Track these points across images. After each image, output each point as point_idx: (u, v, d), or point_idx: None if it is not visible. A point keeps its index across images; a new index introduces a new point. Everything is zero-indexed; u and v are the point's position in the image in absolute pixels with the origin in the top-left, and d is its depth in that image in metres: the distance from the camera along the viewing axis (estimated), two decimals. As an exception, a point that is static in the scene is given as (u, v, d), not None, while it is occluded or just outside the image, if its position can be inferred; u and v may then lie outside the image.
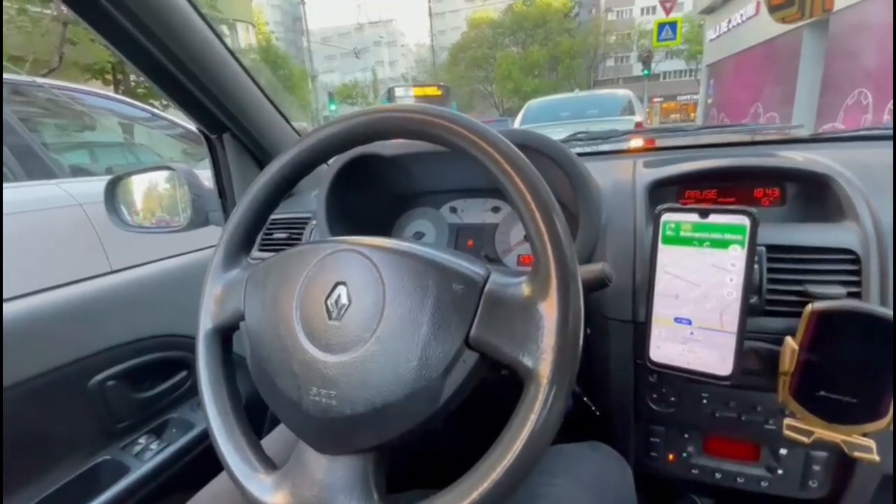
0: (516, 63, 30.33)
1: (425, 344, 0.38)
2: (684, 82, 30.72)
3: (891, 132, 0.81)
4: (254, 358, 0.47)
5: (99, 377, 0.82)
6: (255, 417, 0.48)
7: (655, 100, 27.92)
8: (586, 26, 34.00)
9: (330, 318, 0.42)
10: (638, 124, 4.87)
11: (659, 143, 1.04)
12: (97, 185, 1.01)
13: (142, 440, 0.89)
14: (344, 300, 0.42)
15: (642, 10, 34.47)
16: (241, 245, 0.53)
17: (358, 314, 0.41)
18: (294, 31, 40.18)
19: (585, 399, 0.73)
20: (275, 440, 0.68)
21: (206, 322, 0.50)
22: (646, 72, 14.89)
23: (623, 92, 5.86)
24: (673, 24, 10.65)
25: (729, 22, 10.79)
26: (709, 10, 12.14)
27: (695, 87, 23.46)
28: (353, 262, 0.43)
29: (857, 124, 6.01)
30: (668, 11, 11.18)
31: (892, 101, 5.48)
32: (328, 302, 0.42)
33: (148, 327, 0.90)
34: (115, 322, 0.86)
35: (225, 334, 0.50)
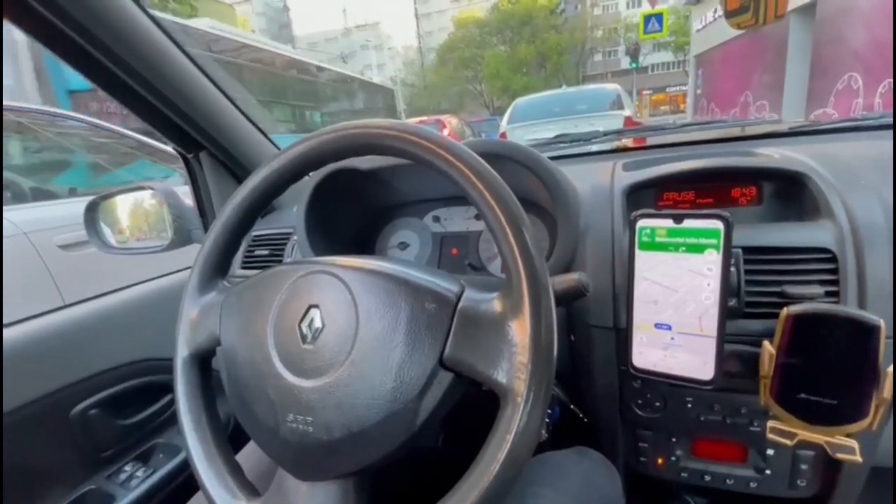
0: (504, 61, 30.38)
1: (400, 365, 0.38)
2: (672, 74, 30.87)
3: (868, 123, 0.81)
4: (230, 384, 0.46)
5: (81, 406, 0.81)
6: (240, 435, 0.48)
7: (645, 92, 28.03)
8: (573, 22, 34.11)
9: (304, 342, 0.41)
10: (627, 119, 4.86)
11: (638, 143, 1.04)
12: (53, 209, 0.99)
13: (127, 467, 0.88)
14: (318, 323, 0.41)
15: (628, 3, 34.61)
16: (217, 268, 0.52)
17: (332, 337, 0.40)
18: (281, 38, 40.09)
19: (572, 406, 0.72)
20: (257, 456, 0.67)
21: (182, 349, 0.49)
22: (633, 64, 14.95)
23: (612, 86, 5.86)
24: (659, 16, 10.69)
25: (715, 11, 10.81)
26: (695, 1, 12.18)
27: (683, 78, 23.61)
28: (326, 283, 0.43)
29: (848, 108, 6.03)
30: (653, 3, 11.22)
31: (882, 85, 5.50)
32: (302, 325, 0.42)
33: (130, 353, 0.89)
34: (96, 349, 0.85)
35: (202, 359, 0.50)
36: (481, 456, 0.35)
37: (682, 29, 20.50)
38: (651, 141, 1.00)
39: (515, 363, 0.35)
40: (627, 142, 1.07)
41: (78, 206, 1.91)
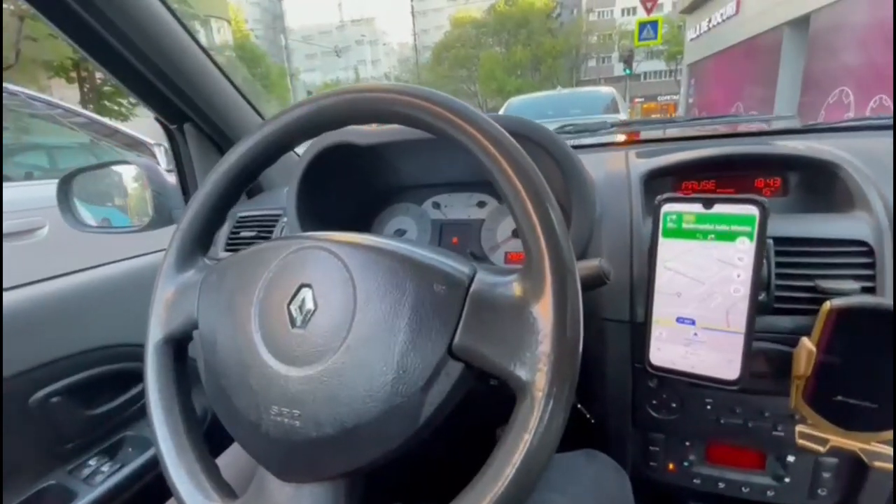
0: (499, 63, 30.65)
1: (402, 354, 0.34)
2: (664, 83, 31.33)
3: (888, 122, 0.79)
4: (208, 372, 0.42)
5: (41, 393, 0.74)
6: (219, 434, 0.43)
7: (636, 100, 28.36)
8: (568, 27, 34.55)
9: (293, 325, 0.37)
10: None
11: (649, 135, 1.01)
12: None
13: (92, 462, 0.81)
14: (309, 304, 0.37)
15: (623, 10, 35.07)
16: (197, 243, 0.47)
17: (325, 320, 0.36)
18: (274, 28, 39.78)
19: (579, 406, 0.68)
20: (236, 458, 0.62)
21: (155, 331, 0.45)
22: (627, 71, 15.13)
23: (606, 89, 5.88)
24: (654, 24, 10.80)
25: (709, 21, 10.99)
26: (689, 10, 12.35)
27: (675, 87, 23.99)
28: (320, 260, 0.38)
29: (839, 122, 6.16)
30: (648, 10, 11.34)
31: (873, 100, 5.61)
32: (291, 307, 0.38)
33: (98, 337, 0.82)
34: (60, 332, 0.78)
35: (177, 344, 0.45)
36: (493, 458, 0.31)
37: (675, 38, 20.82)
38: (661, 135, 0.97)
39: (537, 353, 0.31)
40: (634, 135, 1.03)
41: (30, 190, 1.84)
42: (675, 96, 21.49)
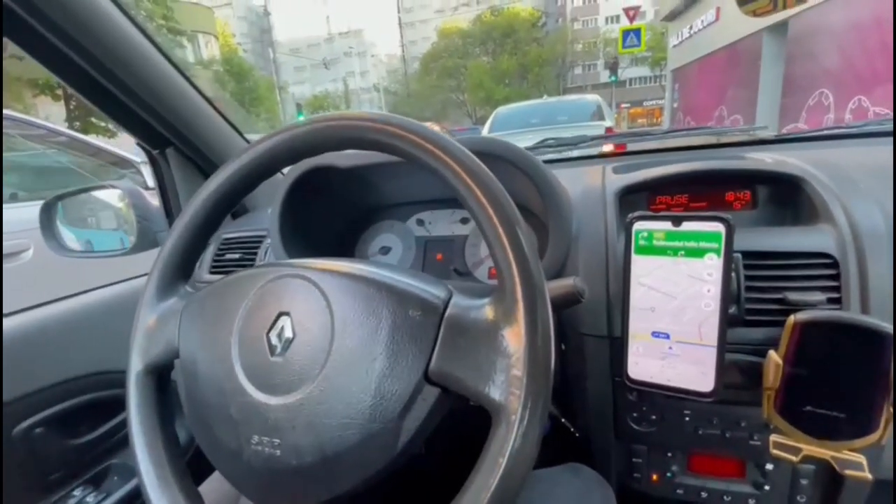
0: (487, 72, 30.90)
1: (380, 380, 0.34)
2: (650, 88, 31.75)
3: (859, 130, 0.81)
4: (189, 401, 0.42)
5: (24, 425, 0.73)
6: (203, 460, 0.43)
7: (623, 106, 28.68)
8: (553, 35, 34.99)
9: (272, 353, 0.37)
10: (608, 129, 4.94)
11: (628, 147, 1.02)
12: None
13: (77, 492, 0.80)
14: (288, 333, 0.38)
15: (607, 19, 35.62)
16: (179, 271, 0.48)
17: (304, 348, 0.36)
18: (262, 42, 39.82)
19: (563, 420, 0.69)
20: (220, 484, 0.62)
21: (136, 360, 0.45)
22: (612, 77, 15.31)
23: (592, 97, 5.95)
24: (637, 31, 10.96)
25: (691, 28, 11.18)
26: (670, 17, 12.56)
27: (660, 92, 24.32)
28: (298, 288, 0.39)
29: (819, 123, 6.26)
30: (631, 19, 11.53)
31: (852, 101, 5.71)
32: (270, 335, 0.38)
33: (81, 365, 0.81)
34: (43, 361, 0.77)
35: (159, 373, 0.45)
36: (470, 481, 0.31)
37: (659, 45, 21.14)
38: (639, 146, 0.99)
39: (510, 377, 0.31)
40: (614, 147, 1.05)
41: (15, 212, 1.82)
42: (661, 101, 21.76)
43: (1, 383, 0.69)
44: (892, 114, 4.56)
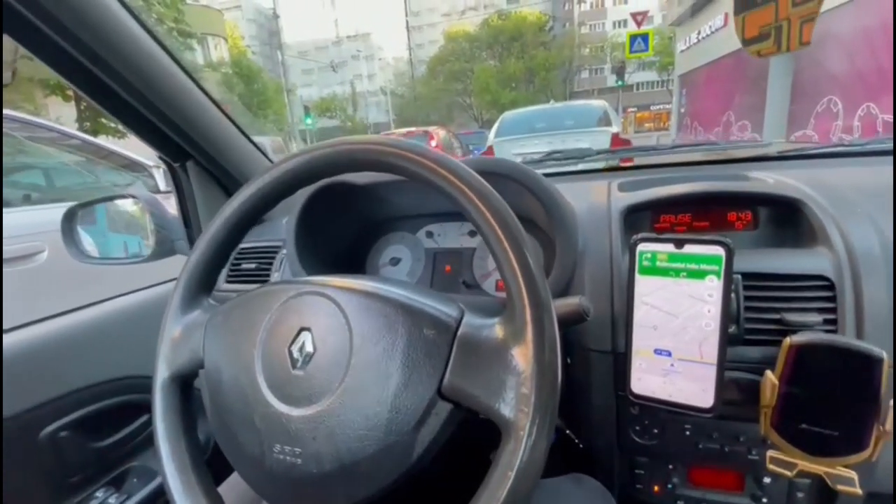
0: (493, 76, 30.84)
1: (395, 395, 0.36)
2: (657, 93, 31.62)
3: (862, 149, 0.82)
4: (213, 409, 0.44)
5: (51, 428, 0.76)
6: (220, 462, 0.45)
7: (630, 110, 28.61)
8: (561, 39, 34.91)
9: (294, 367, 0.39)
10: (614, 135, 4.93)
11: (633, 162, 1.04)
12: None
13: (99, 493, 0.82)
14: (309, 347, 0.40)
15: (614, 23, 35.59)
16: (202, 285, 0.50)
17: (324, 362, 0.39)
18: (270, 45, 40.06)
19: (567, 431, 0.71)
20: (237, 486, 0.64)
21: (162, 369, 0.47)
22: (620, 82, 15.29)
23: (598, 102, 5.93)
24: (644, 36, 10.97)
25: (698, 33, 11.13)
26: (678, 22, 12.52)
27: (667, 97, 24.19)
28: (319, 305, 0.41)
29: (827, 130, 6.20)
30: (639, 24, 11.52)
31: (861, 108, 5.67)
32: (292, 349, 0.40)
33: (105, 370, 0.84)
34: (70, 366, 0.80)
35: (183, 382, 0.47)
36: (480, 493, 0.33)
37: (666, 49, 21.06)
38: (644, 161, 1.01)
39: (518, 394, 0.33)
40: (620, 161, 1.07)
41: (30, 215, 1.86)
42: (668, 105, 21.69)
43: (1, 395, 0.71)
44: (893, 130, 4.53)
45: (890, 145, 0.81)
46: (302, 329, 0.40)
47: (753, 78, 8.53)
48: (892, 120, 5.02)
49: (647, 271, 0.52)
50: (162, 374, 0.47)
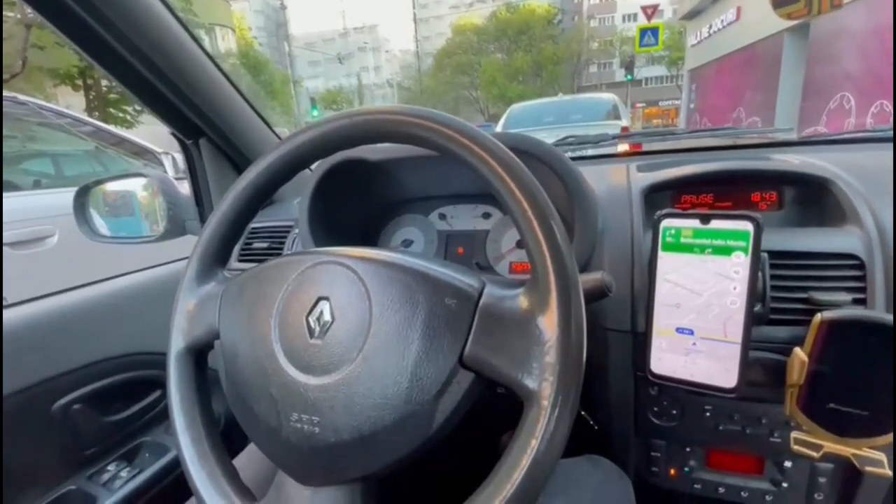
0: (501, 69, 30.70)
1: (416, 364, 0.35)
2: (665, 88, 31.33)
3: (887, 134, 0.81)
4: (229, 380, 0.44)
5: (64, 400, 0.76)
6: (235, 437, 0.45)
7: (638, 105, 28.37)
8: (569, 33, 34.67)
9: (312, 336, 0.39)
10: (624, 129, 4.89)
11: (649, 146, 1.03)
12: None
13: (111, 467, 0.83)
14: (327, 317, 0.39)
15: (624, 17, 35.20)
16: (217, 257, 0.50)
17: (342, 332, 0.38)
18: (277, 36, 40.03)
19: (583, 413, 0.70)
20: (252, 459, 0.64)
21: (177, 341, 0.46)
22: (628, 76, 15.18)
23: (608, 96, 5.87)
24: (655, 30, 10.85)
25: (710, 27, 11.02)
26: (690, 16, 12.39)
27: (676, 92, 23.99)
28: (337, 274, 0.40)
29: (840, 128, 6.13)
30: (649, 17, 11.39)
31: (874, 105, 5.60)
32: (309, 319, 0.39)
33: (118, 345, 0.84)
34: (83, 340, 0.80)
35: (198, 353, 0.47)
36: (502, 462, 0.32)
37: (676, 44, 20.87)
38: (660, 146, 0.99)
39: (543, 364, 0.33)
40: (635, 146, 1.06)
41: (40, 199, 1.87)
42: (677, 101, 21.49)
43: (1, 370, 0.71)
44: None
45: None
46: (320, 298, 0.39)
47: (765, 74, 8.44)
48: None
49: (670, 248, 0.51)
50: (177, 345, 0.46)
